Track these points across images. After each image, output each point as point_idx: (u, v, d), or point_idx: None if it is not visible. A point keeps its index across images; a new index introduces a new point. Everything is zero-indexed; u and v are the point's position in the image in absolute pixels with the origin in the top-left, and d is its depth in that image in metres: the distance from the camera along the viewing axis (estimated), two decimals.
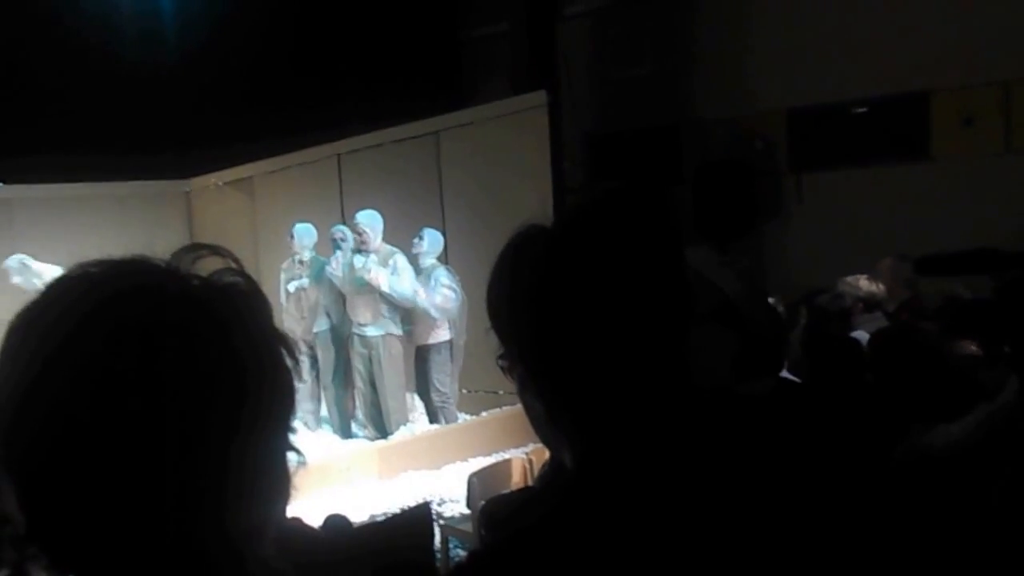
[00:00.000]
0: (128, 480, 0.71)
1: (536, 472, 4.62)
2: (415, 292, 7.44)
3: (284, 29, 10.68)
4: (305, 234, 8.46)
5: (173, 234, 11.89)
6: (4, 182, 10.74)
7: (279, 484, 0.80)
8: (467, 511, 4.77)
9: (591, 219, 1.04)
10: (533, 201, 8.23)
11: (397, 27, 10.47)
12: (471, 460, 6.80)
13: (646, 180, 9.11)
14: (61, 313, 0.75)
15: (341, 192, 9.90)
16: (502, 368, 1.08)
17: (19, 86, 10.18)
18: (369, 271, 7.42)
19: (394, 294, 7.39)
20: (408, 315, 7.68)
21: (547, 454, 4.64)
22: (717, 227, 8.20)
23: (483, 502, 4.28)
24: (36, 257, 10.72)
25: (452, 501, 5.97)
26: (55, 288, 0.78)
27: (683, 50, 9.51)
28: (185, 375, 0.72)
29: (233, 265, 0.81)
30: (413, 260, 7.67)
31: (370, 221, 7.64)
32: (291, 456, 0.81)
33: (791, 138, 8.96)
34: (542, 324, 0.98)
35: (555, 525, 0.94)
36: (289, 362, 0.80)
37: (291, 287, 8.36)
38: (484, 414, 7.96)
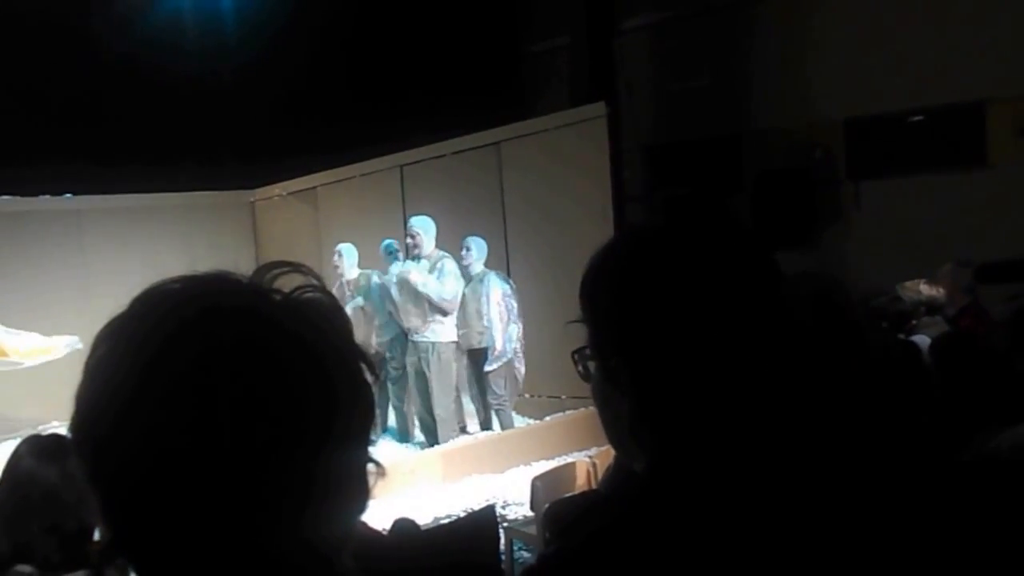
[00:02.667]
0: (215, 494, 0.72)
1: (600, 476, 4.63)
2: (456, 295, 7.53)
3: (348, 41, 10.89)
4: (348, 254, 8.58)
5: (237, 244, 12.10)
6: (73, 193, 11.05)
7: (359, 495, 0.81)
8: (531, 514, 4.77)
9: (702, 220, 1.04)
10: (593, 211, 8.30)
11: (459, 41, 10.63)
12: (534, 464, 6.85)
13: (706, 189, 9.17)
14: (148, 330, 0.76)
15: (403, 203, 10.02)
16: (575, 362, 1.10)
17: (88, 100, 10.50)
18: (410, 272, 7.53)
19: (431, 294, 7.44)
20: (464, 320, 7.78)
21: (611, 458, 4.70)
22: (776, 235, 8.23)
23: (547, 505, 4.32)
24: (106, 266, 11.03)
25: (515, 504, 6.01)
26: (141, 303, 0.79)
27: (742, 61, 9.58)
28: (270, 391, 0.73)
29: (314, 282, 0.81)
30: (464, 271, 7.75)
31: (423, 225, 7.72)
32: (370, 467, 0.82)
33: (849, 147, 8.99)
34: (649, 323, 0.98)
35: (624, 531, 0.93)
36: (369, 377, 0.81)
37: (348, 309, 8.48)
38: (547, 418, 8.03)
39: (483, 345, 7.78)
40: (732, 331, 0.96)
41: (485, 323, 7.71)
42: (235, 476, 0.72)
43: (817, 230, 8.78)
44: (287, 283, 0.81)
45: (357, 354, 0.81)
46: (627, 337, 1.00)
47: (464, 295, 7.69)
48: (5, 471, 2.47)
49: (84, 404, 0.76)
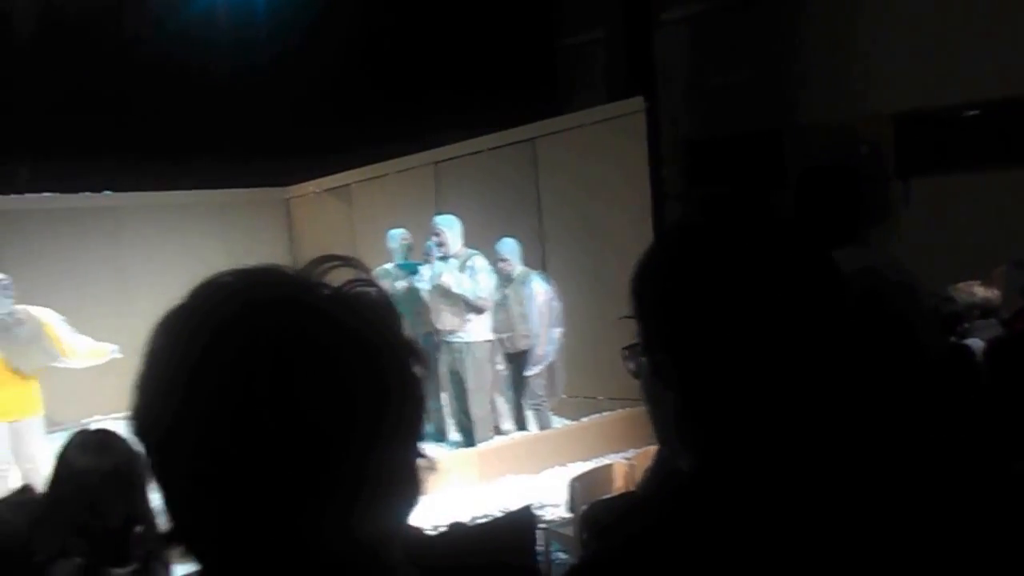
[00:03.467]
0: (266, 487, 0.73)
1: (639, 477, 4.58)
2: (490, 291, 7.44)
3: (382, 36, 10.86)
4: (392, 240, 8.56)
5: (272, 241, 12.18)
6: (112, 190, 11.15)
7: (410, 490, 0.81)
8: (567, 515, 4.76)
9: (753, 216, 1.03)
10: (631, 208, 8.20)
11: (494, 35, 10.56)
12: (570, 465, 6.79)
13: (748, 186, 9.01)
14: (201, 322, 0.77)
15: (438, 200, 9.99)
16: (625, 358, 1.08)
17: (126, 98, 10.58)
18: (441, 275, 7.45)
19: (466, 294, 7.35)
20: (507, 323, 7.72)
21: (650, 459, 4.63)
22: (821, 233, 8.05)
23: (585, 506, 4.29)
24: (143, 262, 11.11)
25: (552, 505, 5.94)
26: (196, 295, 0.80)
27: (785, 54, 9.39)
28: (320, 384, 0.73)
29: (364, 276, 0.82)
30: (505, 277, 7.68)
31: (447, 223, 7.64)
32: (421, 462, 0.82)
33: (899, 142, 8.76)
34: (697, 319, 0.97)
35: (669, 533, 0.92)
36: (419, 371, 0.81)
37: None
38: (583, 419, 7.95)
39: (527, 348, 7.70)
40: (783, 328, 0.94)
41: (530, 325, 7.63)
42: (285, 469, 0.72)
43: (864, 229, 8.55)
44: (338, 277, 0.81)
45: (407, 348, 0.81)
46: (675, 333, 0.99)
47: (507, 297, 7.61)
48: (55, 466, 2.54)
49: (143, 394, 0.78)
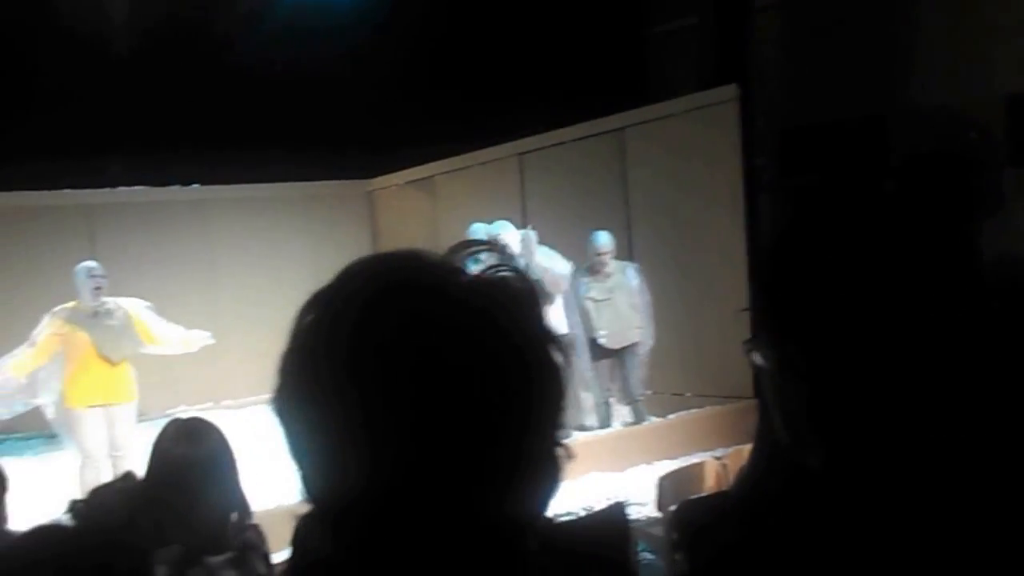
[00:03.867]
0: (403, 470, 0.73)
1: (732, 477, 4.39)
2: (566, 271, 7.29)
3: (467, 27, 10.78)
4: (475, 234, 8.43)
5: (355, 233, 12.32)
6: (200, 183, 11.34)
7: (551, 479, 0.80)
8: (653, 514, 4.64)
9: (886, 203, 0.99)
10: (723, 200, 7.96)
11: (581, 23, 10.37)
12: (655, 463, 6.66)
13: (849, 174, 8.62)
14: (346, 303, 0.78)
15: (523, 192, 9.89)
16: (748, 351, 1.05)
17: (213, 93, 10.71)
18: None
19: (555, 269, 7.16)
20: (615, 317, 7.51)
21: (743, 459, 4.41)
22: (927, 226, 7.64)
23: (674, 506, 4.13)
24: (230, 253, 11.29)
25: (636, 504, 5.82)
26: (342, 277, 0.81)
27: (886, 34, 8.94)
28: (466, 369, 0.73)
29: (507, 261, 0.81)
30: (598, 268, 7.49)
31: (503, 230, 7.46)
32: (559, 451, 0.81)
33: (1012, 127, 8.24)
34: (839, 307, 0.92)
35: (796, 532, 0.90)
36: (560, 359, 0.80)
37: None
38: (670, 416, 7.74)
39: (637, 340, 7.54)
40: (925, 317, 0.90)
41: (640, 316, 7.48)
42: (425, 452, 0.73)
43: (974, 221, 8.10)
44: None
45: (549, 336, 0.80)
46: (805, 323, 0.95)
47: (611, 290, 7.45)
48: (151, 455, 2.61)
49: (286, 373, 0.79)
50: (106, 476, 6.40)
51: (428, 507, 0.74)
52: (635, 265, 7.74)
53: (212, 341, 7.37)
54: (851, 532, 0.88)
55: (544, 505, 0.81)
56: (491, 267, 0.81)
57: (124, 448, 6.54)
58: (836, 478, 0.93)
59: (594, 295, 7.48)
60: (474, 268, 0.81)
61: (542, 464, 0.79)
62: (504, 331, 0.76)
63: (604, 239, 7.51)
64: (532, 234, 7.78)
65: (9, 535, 2.61)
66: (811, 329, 0.95)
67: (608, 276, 7.47)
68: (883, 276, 0.92)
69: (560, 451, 0.80)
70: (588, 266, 7.54)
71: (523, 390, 0.76)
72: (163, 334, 7.05)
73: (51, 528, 2.32)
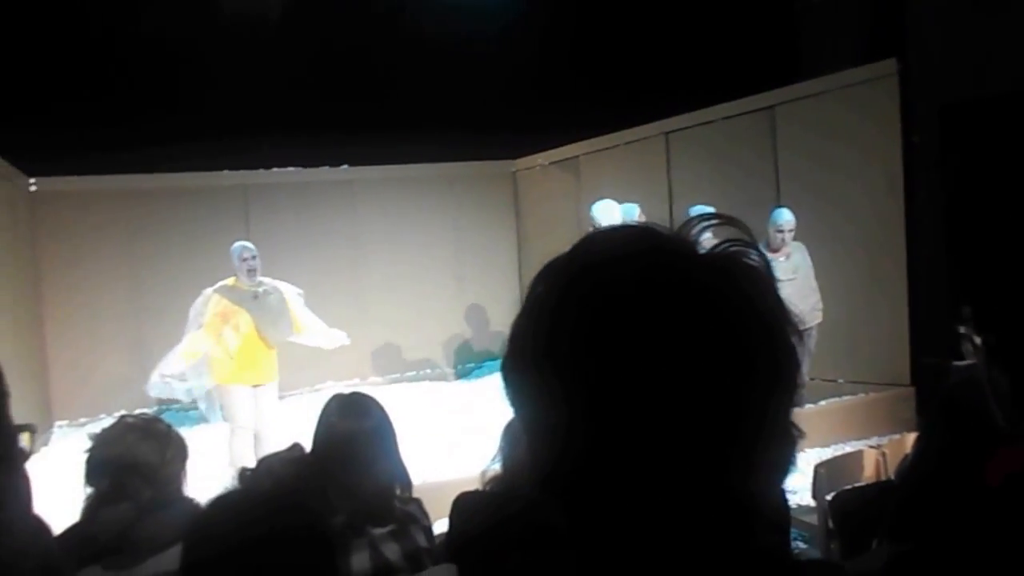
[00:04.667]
0: (654, 440, 0.72)
1: (892, 466, 4.29)
2: None
3: (612, 4, 10.68)
4: (603, 215, 8.31)
5: (499, 213, 12.43)
6: (349, 164, 11.64)
7: (787, 456, 0.79)
8: (805, 503, 4.58)
9: None
10: (880, 179, 7.66)
11: None
12: (807, 451, 6.45)
13: (1016, 154, 8.13)
14: (579, 272, 0.78)
15: (669, 172, 9.75)
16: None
17: (360, 72, 10.96)
18: None
19: None
20: (801, 297, 7.24)
21: (905, 448, 4.27)
22: None
23: (831, 494, 4.07)
24: (376, 232, 11.56)
25: (789, 491, 5.66)
26: (575, 249, 0.81)
27: None
28: (708, 341, 0.72)
29: (744, 236, 0.80)
30: (776, 246, 7.20)
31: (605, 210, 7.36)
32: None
33: None
34: None
35: (981, 533, 0.93)
36: (795, 338, 0.79)
37: None
38: (822, 403, 7.49)
39: (819, 322, 7.25)
40: None
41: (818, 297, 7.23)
42: (666, 424, 0.71)
43: None
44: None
45: (784, 312, 0.79)
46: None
47: (795, 270, 7.17)
48: (317, 428, 2.66)
49: (518, 335, 0.80)
50: (252, 448, 6.75)
51: (666, 479, 0.73)
52: (799, 246, 7.40)
53: (348, 342, 7.55)
54: None
55: (779, 483, 0.79)
56: (725, 242, 0.79)
57: (269, 422, 6.82)
58: None
59: (778, 275, 7.22)
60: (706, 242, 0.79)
61: (779, 441, 0.77)
62: (744, 304, 0.75)
63: (787, 215, 7.21)
64: (635, 208, 7.69)
65: (189, 502, 2.73)
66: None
67: (789, 255, 7.17)
68: None
69: (795, 430, 0.79)
70: (765, 243, 7.15)
71: (765, 365, 0.74)
72: (308, 324, 7.25)
73: (242, 494, 2.44)
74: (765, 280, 0.79)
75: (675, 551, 0.75)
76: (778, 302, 0.79)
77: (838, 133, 8.02)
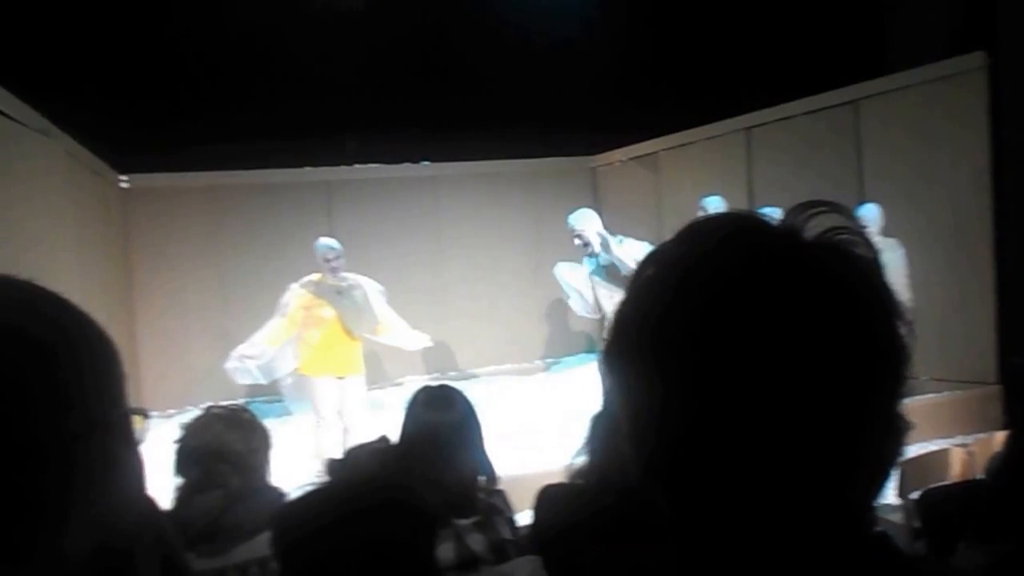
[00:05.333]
0: (766, 429, 0.71)
1: (980, 466, 4.21)
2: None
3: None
4: (711, 207, 8.32)
5: (578, 209, 12.39)
6: (430, 161, 11.78)
7: (895, 447, 0.76)
8: (886, 501, 4.49)
9: None
10: (967, 176, 7.50)
11: None
12: None
13: None
14: (685, 255, 0.78)
15: (749, 168, 9.66)
16: None
17: (441, 70, 11.08)
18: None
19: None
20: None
21: (993, 447, 4.20)
22: None
23: (917, 493, 4.00)
24: (457, 228, 11.67)
25: None
26: (682, 234, 0.80)
27: None
28: (817, 328, 0.71)
29: (850, 224, 0.78)
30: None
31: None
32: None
33: None
34: None
35: None
36: (904, 328, 0.75)
37: None
38: (906, 400, 7.32)
39: None
40: None
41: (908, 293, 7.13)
42: (776, 413, 0.70)
43: None
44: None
45: (893, 302, 0.76)
46: None
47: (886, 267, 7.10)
48: (405, 419, 2.68)
49: (624, 320, 0.79)
50: (337, 440, 6.89)
51: (776, 471, 0.71)
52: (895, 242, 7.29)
53: (430, 344, 7.62)
54: None
55: (887, 476, 0.77)
56: (832, 229, 0.78)
57: (356, 414, 6.95)
58: None
59: None
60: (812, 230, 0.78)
61: (888, 434, 0.75)
62: (857, 291, 0.74)
63: (873, 212, 7.20)
64: (717, 201, 7.66)
65: (275, 490, 2.81)
66: None
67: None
68: None
69: (902, 423, 0.76)
70: None
71: (880, 354, 0.73)
72: (391, 323, 7.36)
73: (339, 480, 2.51)
74: (876, 268, 0.77)
75: (784, 546, 0.73)
76: (889, 291, 0.77)
77: (924, 128, 7.86)
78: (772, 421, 0.70)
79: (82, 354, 0.80)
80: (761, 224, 0.78)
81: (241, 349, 6.97)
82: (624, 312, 0.79)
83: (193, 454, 2.73)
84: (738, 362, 0.70)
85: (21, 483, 0.72)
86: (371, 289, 7.18)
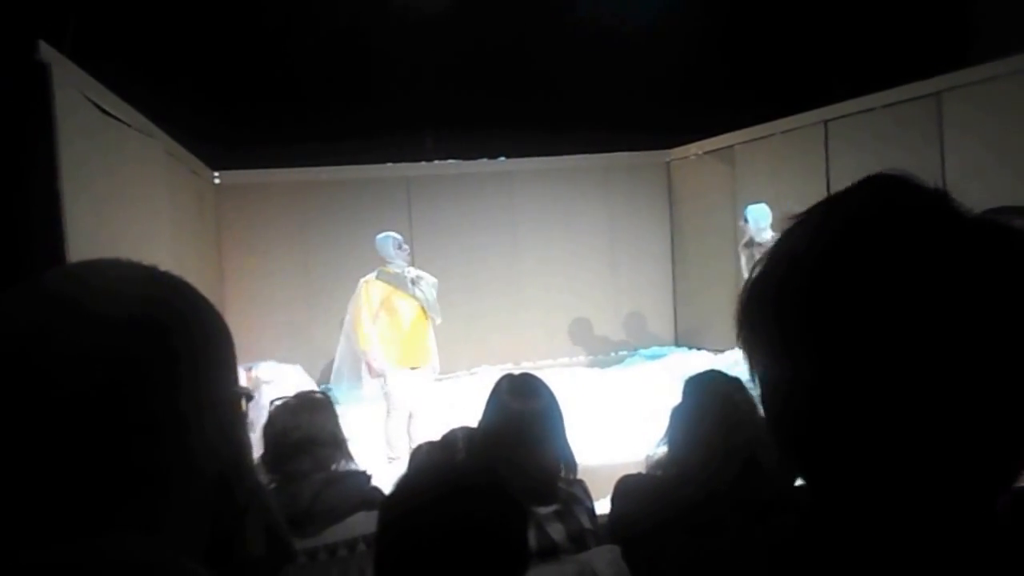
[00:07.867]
0: (909, 398, 0.69)
1: None
2: None
3: None
4: (761, 216, 8.28)
5: (652, 203, 12.44)
6: (506, 156, 11.90)
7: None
8: None
9: None
10: None
11: None
12: None
13: None
14: (831, 213, 0.79)
15: (827, 162, 9.56)
16: None
17: (516, 67, 11.17)
18: None
19: None
20: None
21: None
22: None
23: None
24: (532, 222, 11.80)
25: None
26: (829, 201, 0.82)
27: None
28: (978, 301, 0.69)
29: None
30: None
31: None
32: None
33: None
34: None
35: None
36: None
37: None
38: None
39: None
40: None
41: None
42: (922, 381, 0.68)
43: None
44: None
45: None
46: None
47: None
48: (488, 407, 2.67)
49: (764, 286, 0.78)
50: (406, 427, 7.05)
51: (914, 444, 0.69)
52: None
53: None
54: None
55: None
56: (998, 209, 0.76)
57: (423, 402, 7.10)
58: None
59: None
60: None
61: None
62: (1012, 271, 0.71)
63: None
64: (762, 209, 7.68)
65: (362, 474, 2.87)
66: None
67: None
68: None
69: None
70: None
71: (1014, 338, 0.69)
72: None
73: (440, 462, 2.60)
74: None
75: (923, 529, 0.72)
76: None
77: (1009, 121, 7.70)
78: (915, 394, 0.69)
79: (199, 336, 0.84)
80: (913, 191, 0.79)
81: (338, 361, 7.24)
82: (763, 278, 0.79)
83: (288, 439, 2.79)
84: (882, 334, 0.69)
85: (140, 456, 0.75)
86: (429, 279, 7.39)
